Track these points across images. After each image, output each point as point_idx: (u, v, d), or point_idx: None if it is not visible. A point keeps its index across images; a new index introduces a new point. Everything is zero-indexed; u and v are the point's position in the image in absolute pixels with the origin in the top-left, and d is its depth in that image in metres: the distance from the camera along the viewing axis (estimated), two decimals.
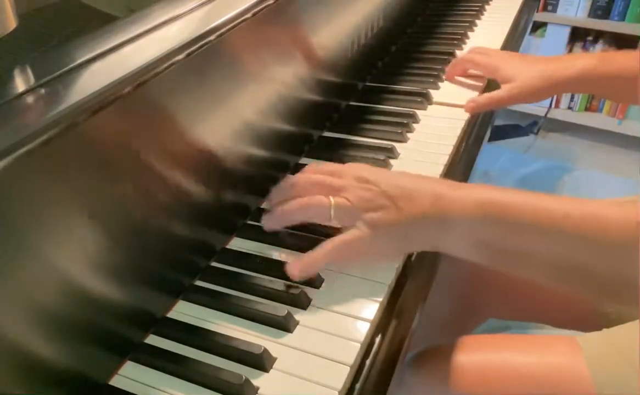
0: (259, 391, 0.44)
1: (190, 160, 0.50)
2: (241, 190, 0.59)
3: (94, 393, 0.44)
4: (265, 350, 0.45)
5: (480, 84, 0.85)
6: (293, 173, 0.67)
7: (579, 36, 2.11)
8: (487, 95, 0.79)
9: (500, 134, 2.04)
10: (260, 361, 0.45)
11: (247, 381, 0.43)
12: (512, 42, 1.04)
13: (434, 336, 0.81)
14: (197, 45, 0.47)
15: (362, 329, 0.48)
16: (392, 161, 0.69)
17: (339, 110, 0.81)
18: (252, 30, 0.55)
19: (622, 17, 1.98)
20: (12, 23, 0.39)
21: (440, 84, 0.87)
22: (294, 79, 0.66)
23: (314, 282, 0.52)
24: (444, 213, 0.49)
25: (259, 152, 0.61)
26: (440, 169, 0.67)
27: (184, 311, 0.50)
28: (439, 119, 0.78)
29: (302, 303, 0.50)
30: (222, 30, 0.50)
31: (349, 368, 0.44)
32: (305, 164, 0.69)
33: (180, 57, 0.46)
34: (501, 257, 0.50)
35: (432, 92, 0.84)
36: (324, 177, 0.54)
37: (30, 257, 0.36)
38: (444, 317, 0.86)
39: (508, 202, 0.47)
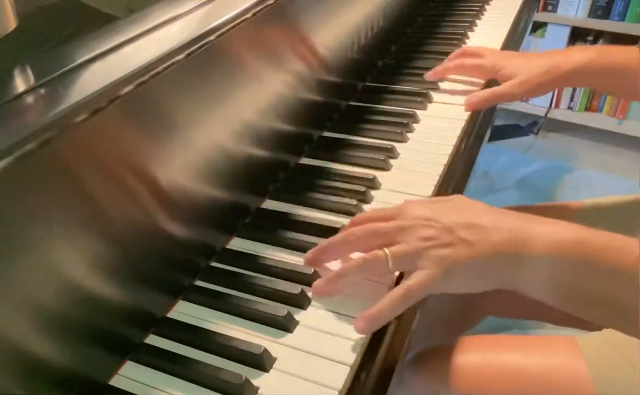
0: (259, 391, 0.44)
1: (190, 160, 0.50)
2: (241, 190, 0.59)
3: (94, 393, 0.44)
4: (265, 350, 0.45)
5: (481, 81, 0.84)
6: (293, 173, 0.68)
7: (579, 36, 2.11)
8: (489, 90, 0.79)
9: (500, 134, 2.04)
10: (260, 361, 0.45)
11: (247, 381, 0.43)
12: (512, 42, 1.04)
13: (433, 335, 0.81)
14: (197, 45, 0.47)
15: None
16: (392, 161, 0.69)
17: (339, 110, 0.81)
18: (252, 30, 0.55)
19: (622, 17, 1.98)
20: (12, 23, 0.39)
21: (440, 84, 0.86)
22: (294, 78, 0.66)
23: (315, 281, 0.52)
24: (519, 251, 0.45)
25: (259, 152, 0.61)
26: (440, 169, 0.67)
27: (184, 311, 0.50)
28: (439, 119, 0.78)
29: (302, 303, 0.50)
30: (222, 30, 0.50)
31: (349, 368, 0.44)
32: (305, 164, 0.69)
33: (180, 57, 0.46)
34: (576, 298, 0.47)
35: (432, 92, 0.84)
36: (376, 226, 0.50)
37: (30, 257, 0.36)
38: (443, 316, 0.86)
39: (584, 242, 0.45)
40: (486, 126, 0.82)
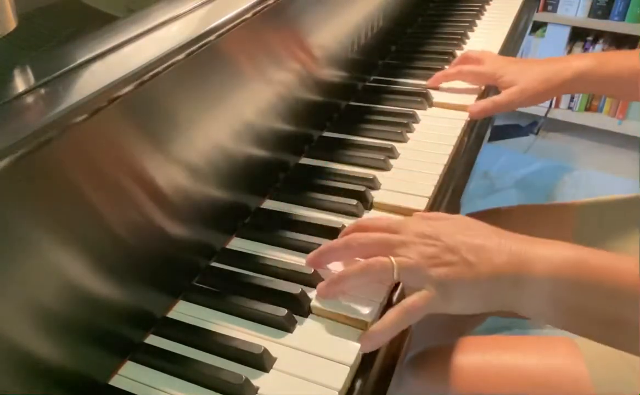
0: (259, 391, 0.44)
1: (190, 160, 0.50)
2: (241, 190, 0.59)
3: (94, 393, 0.44)
4: (265, 350, 0.45)
5: (477, 86, 0.84)
6: (293, 173, 0.68)
7: (579, 36, 2.11)
8: (490, 99, 0.79)
9: (500, 134, 2.04)
10: (260, 361, 0.45)
11: (247, 381, 0.43)
12: (512, 42, 1.04)
13: (433, 336, 0.81)
14: (197, 45, 0.47)
15: (362, 329, 0.48)
16: (392, 161, 0.69)
17: (339, 110, 0.81)
18: (252, 30, 0.55)
19: (622, 17, 1.98)
20: (12, 23, 0.39)
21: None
22: (294, 78, 0.66)
23: (314, 282, 0.52)
24: (520, 272, 0.46)
25: (259, 152, 0.61)
26: (440, 169, 0.67)
27: (184, 311, 0.50)
28: (439, 119, 0.78)
29: (302, 303, 0.50)
30: (222, 30, 0.50)
31: (349, 368, 0.44)
32: (305, 164, 0.69)
33: (180, 57, 0.46)
34: (576, 318, 0.47)
35: (432, 92, 0.84)
36: (380, 235, 0.50)
37: (29, 257, 0.36)
38: (443, 317, 0.85)
39: (585, 263, 0.45)
40: (486, 126, 0.82)
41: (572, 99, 2.13)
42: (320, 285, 0.50)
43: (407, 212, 0.60)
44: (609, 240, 0.73)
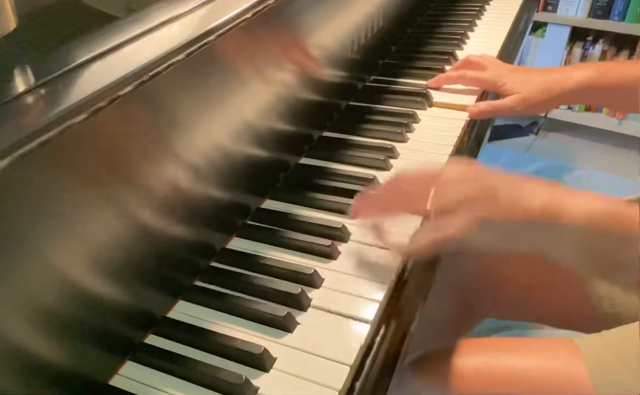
0: (259, 391, 0.44)
1: (190, 160, 0.50)
2: (241, 190, 0.59)
3: (94, 393, 0.44)
4: (265, 350, 0.45)
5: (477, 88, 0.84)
6: (293, 173, 0.68)
7: (579, 36, 2.11)
8: (489, 103, 0.80)
9: (500, 134, 2.04)
10: (260, 361, 0.45)
11: (247, 381, 0.43)
12: (512, 42, 1.04)
13: (433, 336, 0.81)
14: (196, 45, 0.47)
15: (362, 329, 0.48)
16: (392, 161, 0.69)
17: (339, 110, 0.81)
18: (252, 30, 0.55)
19: (622, 17, 1.98)
20: (12, 23, 0.39)
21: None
22: (294, 78, 0.66)
23: (314, 282, 0.52)
24: (554, 219, 0.47)
25: (259, 152, 0.61)
26: None
27: (184, 311, 0.50)
28: (439, 119, 0.78)
29: (302, 303, 0.50)
30: (222, 30, 0.50)
31: (349, 368, 0.44)
32: (305, 164, 0.69)
33: (180, 57, 0.46)
34: (601, 263, 0.49)
35: (432, 92, 0.84)
36: (426, 174, 0.54)
37: (30, 257, 0.36)
38: (443, 317, 0.86)
39: (616, 214, 0.47)
40: (486, 126, 0.82)
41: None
42: (356, 202, 0.56)
43: None
44: None
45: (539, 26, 2.16)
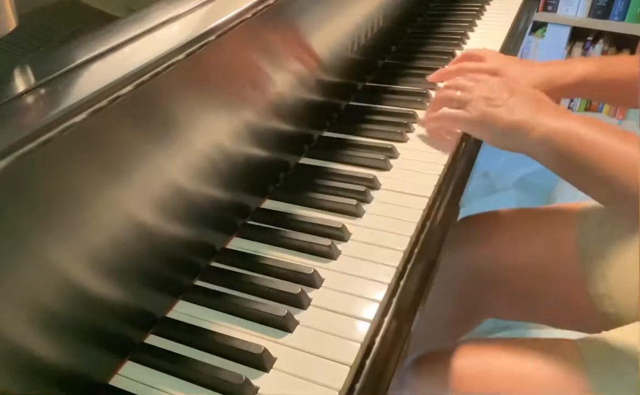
0: (259, 391, 0.44)
1: (190, 160, 0.50)
2: (241, 190, 0.59)
3: (94, 393, 0.44)
4: (265, 350, 0.45)
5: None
6: (293, 173, 0.68)
7: (579, 36, 2.11)
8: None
9: None
10: (260, 361, 0.45)
11: (247, 381, 0.43)
12: (512, 42, 1.04)
13: (433, 336, 0.81)
14: (196, 45, 0.47)
15: (362, 329, 0.48)
16: (392, 161, 0.69)
17: (339, 110, 0.81)
18: (252, 30, 0.55)
19: (622, 17, 1.98)
20: (12, 23, 0.39)
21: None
22: (294, 78, 0.66)
23: (314, 282, 0.52)
24: (527, 132, 0.61)
25: (259, 152, 0.61)
26: (440, 169, 0.67)
27: (184, 311, 0.50)
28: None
29: (302, 303, 0.50)
30: (222, 30, 0.50)
31: (349, 368, 0.44)
32: (305, 164, 0.69)
33: (180, 57, 0.46)
34: (571, 174, 0.62)
35: (432, 92, 0.84)
36: (461, 81, 0.71)
37: (30, 257, 0.36)
38: (443, 317, 0.86)
39: (576, 136, 0.59)
40: None
41: (572, 99, 2.13)
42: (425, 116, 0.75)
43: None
44: (611, 242, 0.73)
45: (539, 26, 2.16)
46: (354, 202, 0.61)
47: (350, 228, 0.58)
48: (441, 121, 0.71)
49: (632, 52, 2.02)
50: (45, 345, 0.39)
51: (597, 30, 2.06)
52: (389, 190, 0.64)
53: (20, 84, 0.40)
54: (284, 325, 0.48)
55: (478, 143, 0.77)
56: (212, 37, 0.49)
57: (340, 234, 0.57)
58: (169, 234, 0.49)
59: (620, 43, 2.04)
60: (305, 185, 0.65)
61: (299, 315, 0.49)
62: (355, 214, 0.60)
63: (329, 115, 0.78)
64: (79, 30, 0.50)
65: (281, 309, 0.48)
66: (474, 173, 0.73)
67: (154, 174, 0.46)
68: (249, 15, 0.53)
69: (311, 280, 0.52)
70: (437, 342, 0.71)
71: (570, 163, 0.60)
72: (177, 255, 0.51)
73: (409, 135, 0.74)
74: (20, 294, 0.36)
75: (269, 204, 0.63)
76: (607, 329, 0.64)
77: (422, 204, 0.61)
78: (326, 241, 0.56)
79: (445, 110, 0.70)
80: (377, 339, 0.48)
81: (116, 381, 0.45)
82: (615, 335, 0.63)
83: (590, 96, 0.78)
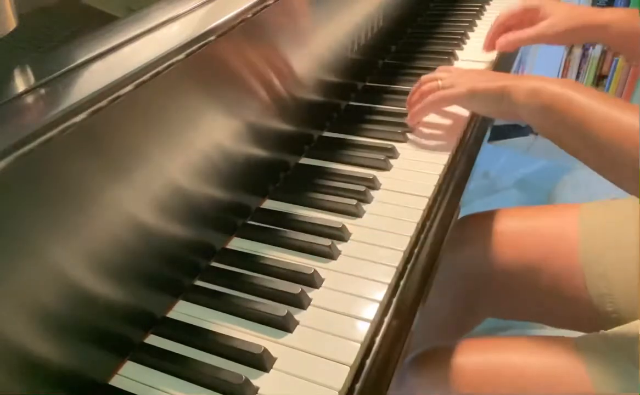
0: (259, 391, 0.44)
1: (190, 160, 0.50)
2: (241, 190, 0.59)
3: (94, 393, 0.44)
4: (265, 350, 0.45)
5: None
6: (293, 173, 0.68)
7: None
8: (516, 32, 0.84)
9: (500, 134, 2.04)
10: (260, 361, 0.45)
11: (247, 381, 0.43)
12: None
13: (433, 335, 0.81)
14: (197, 45, 0.47)
15: (362, 329, 0.48)
16: (392, 161, 0.69)
17: (339, 110, 0.81)
18: (252, 30, 0.55)
19: None
20: (12, 23, 0.39)
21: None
22: (294, 78, 0.66)
23: (314, 282, 0.52)
24: (508, 95, 0.65)
25: (259, 152, 0.61)
26: (440, 169, 0.67)
27: (184, 311, 0.50)
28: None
29: (302, 303, 0.50)
30: (222, 30, 0.50)
31: (349, 368, 0.44)
32: (305, 164, 0.69)
33: (180, 57, 0.46)
34: (555, 137, 0.62)
35: None
36: (436, 73, 0.76)
37: (30, 257, 0.36)
38: (443, 317, 0.86)
39: (550, 95, 0.61)
40: (486, 126, 0.82)
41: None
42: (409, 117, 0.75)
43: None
44: (612, 241, 0.73)
45: None
46: (354, 202, 0.61)
47: (350, 228, 0.58)
48: (433, 105, 0.72)
49: None
50: (46, 345, 0.39)
51: None
52: (389, 190, 0.64)
53: (20, 84, 0.40)
54: (284, 325, 0.48)
55: (478, 143, 0.77)
56: (212, 37, 0.49)
57: (340, 234, 0.57)
58: (169, 234, 0.49)
59: None
60: (305, 185, 0.65)
61: (299, 315, 0.49)
62: (355, 214, 0.60)
63: (329, 115, 0.78)
64: (79, 30, 0.50)
65: (281, 309, 0.48)
66: (474, 173, 0.73)
67: (154, 174, 0.46)
68: (249, 15, 0.53)
69: (311, 280, 0.52)
70: (437, 341, 0.71)
71: (558, 118, 0.60)
72: (177, 255, 0.51)
73: (409, 135, 0.74)
74: (21, 293, 0.36)
75: (269, 204, 0.63)
76: (606, 329, 0.64)
77: (422, 204, 0.61)
78: (326, 241, 0.56)
79: (433, 95, 0.72)
80: (377, 339, 0.48)
81: (116, 381, 0.45)
82: (615, 332, 0.63)
83: (612, 43, 0.80)
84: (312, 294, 0.51)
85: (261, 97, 0.60)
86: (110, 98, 0.40)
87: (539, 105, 0.61)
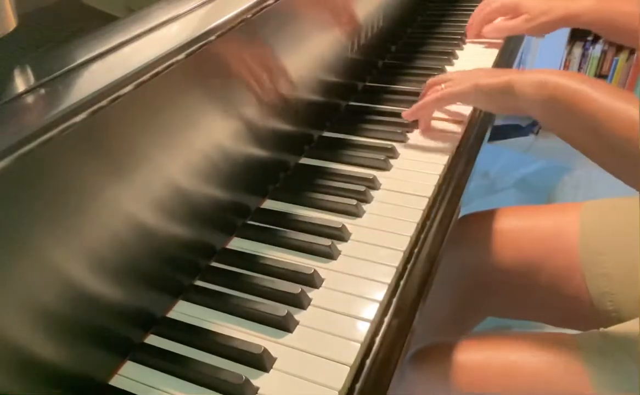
0: (259, 391, 0.44)
1: (190, 160, 0.50)
2: (241, 190, 0.59)
3: (94, 393, 0.44)
4: (265, 350, 0.45)
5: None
6: (293, 173, 0.68)
7: (579, 36, 2.11)
8: (504, 22, 0.93)
9: (500, 134, 2.04)
10: (260, 361, 0.45)
11: (247, 381, 0.43)
12: (512, 42, 1.04)
13: (434, 334, 0.81)
14: (196, 45, 0.47)
15: (362, 329, 0.48)
16: (392, 161, 0.69)
17: (339, 110, 0.81)
18: (252, 30, 0.55)
19: None
20: (12, 23, 0.39)
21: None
22: (294, 78, 0.66)
23: (314, 282, 0.52)
24: (511, 89, 0.64)
25: (259, 152, 0.61)
26: (440, 169, 0.67)
27: (184, 311, 0.50)
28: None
29: (302, 303, 0.50)
30: (222, 30, 0.50)
31: (349, 368, 0.44)
32: (305, 164, 0.69)
33: (180, 57, 0.46)
34: (560, 129, 0.63)
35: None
36: (439, 78, 0.75)
37: (30, 257, 0.36)
38: (444, 316, 0.86)
39: (553, 86, 0.60)
40: (486, 126, 0.82)
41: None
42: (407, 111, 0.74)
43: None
44: (612, 241, 0.73)
45: None
46: (354, 202, 0.61)
47: (350, 228, 0.58)
48: (437, 102, 0.72)
49: (632, 51, 2.02)
50: (46, 345, 0.39)
51: None
52: (389, 190, 0.64)
53: (20, 84, 0.40)
54: (284, 325, 0.48)
55: (478, 143, 0.77)
56: (212, 37, 0.49)
57: (340, 234, 0.57)
58: (169, 234, 0.49)
59: (620, 43, 2.03)
60: (305, 185, 0.65)
61: (299, 315, 0.49)
62: (355, 214, 0.60)
63: (329, 115, 0.78)
64: (79, 30, 0.50)
65: (281, 309, 0.48)
66: (474, 173, 0.73)
67: (154, 174, 0.46)
68: (249, 15, 0.53)
69: (311, 280, 0.52)
70: (437, 341, 0.71)
71: (564, 109, 0.60)
72: (177, 255, 0.51)
73: (409, 135, 0.74)
74: (21, 293, 0.36)
75: (269, 204, 0.63)
76: (606, 328, 0.64)
77: (422, 204, 0.61)
78: (326, 241, 0.56)
79: (435, 91, 0.72)
80: (377, 339, 0.48)
81: (116, 381, 0.45)
82: (614, 330, 0.63)
83: (593, 28, 0.85)
84: (312, 294, 0.51)
85: (261, 97, 0.60)
86: (110, 98, 0.40)
87: (545, 97, 0.61)
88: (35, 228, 0.36)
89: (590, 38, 2.10)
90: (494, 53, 0.95)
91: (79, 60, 0.43)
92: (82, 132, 0.38)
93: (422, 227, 0.60)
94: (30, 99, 0.39)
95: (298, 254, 0.55)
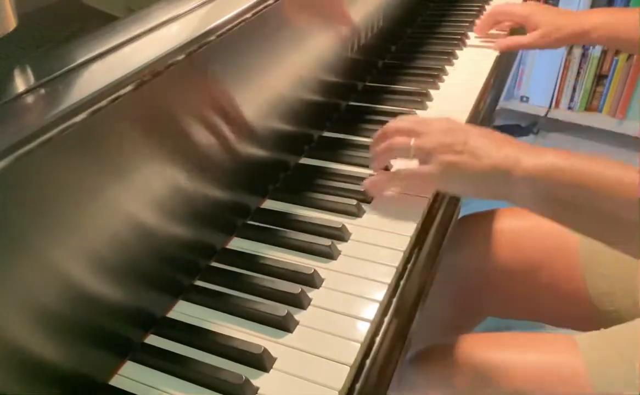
0: (259, 391, 0.44)
1: (190, 160, 0.50)
2: (241, 190, 0.59)
3: (94, 393, 0.44)
4: (265, 350, 0.45)
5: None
6: (293, 173, 0.68)
7: None
8: (515, 37, 0.94)
9: None
10: (260, 361, 0.45)
11: (247, 381, 0.43)
12: None
13: (434, 335, 0.81)
14: (196, 45, 0.47)
15: (362, 329, 0.48)
16: (392, 161, 0.69)
17: (339, 110, 0.81)
18: (252, 30, 0.55)
19: None
20: (12, 23, 0.39)
21: (440, 83, 0.87)
22: (294, 78, 0.66)
23: (314, 282, 0.52)
24: (507, 173, 0.54)
25: (259, 152, 0.61)
26: None
27: (184, 311, 0.50)
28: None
29: (302, 303, 0.50)
30: (222, 30, 0.50)
31: (349, 368, 0.44)
32: (305, 164, 0.69)
33: (180, 57, 0.46)
34: (556, 214, 0.56)
35: (432, 92, 0.84)
36: (410, 124, 0.60)
37: (30, 256, 0.36)
38: (444, 317, 0.86)
39: (560, 170, 0.53)
40: (486, 126, 0.82)
41: (572, 99, 2.13)
42: (367, 180, 0.62)
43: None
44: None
45: None
46: (354, 202, 0.61)
47: (350, 228, 0.58)
48: (407, 180, 0.61)
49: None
50: (45, 345, 0.39)
51: None
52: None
53: (20, 84, 0.40)
54: (284, 325, 0.48)
55: None
56: (212, 37, 0.49)
57: (340, 234, 0.57)
58: (169, 234, 0.49)
59: None
60: (305, 185, 0.65)
61: (299, 315, 0.49)
62: (355, 214, 0.60)
63: (329, 115, 0.78)
64: (79, 30, 0.50)
65: (281, 309, 0.48)
66: None
67: (154, 173, 0.46)
68: (249, 15, 0.53)
69: (311, 280, 0.52)
70: (437, 341, 0.71)
71: (563, 200, 0.53)
72: (177, 255, 0.51)
73: None
74: (20, 293, 0.36)
75: (269, 204, 0.63)
76: (606, 328, 0.64)
77: (422, 203, 0.61)
78: (326, 241, 0.56)
79: (403, 170, 0.61)
80: (377, 339, 0.48)
81: (116, 381, 0.45)
82: (614, 331, 0.63)
83: (602, 43, 0.88)
84: (312, 294, 0.51)
85: (261, 97, 0.60)
86: (110, 98, 0.40)
87: (541, 189, 0.54)
88: (35, 228, 0.36)
89: None
90: (494, 53, 0.95)
91: (79, 60, 0.43)
92: (82, 133, 0.38)
93: (422, 227, 0.60)
94: (30, 99, 0.39)
95: (298, 254, 0.55)
